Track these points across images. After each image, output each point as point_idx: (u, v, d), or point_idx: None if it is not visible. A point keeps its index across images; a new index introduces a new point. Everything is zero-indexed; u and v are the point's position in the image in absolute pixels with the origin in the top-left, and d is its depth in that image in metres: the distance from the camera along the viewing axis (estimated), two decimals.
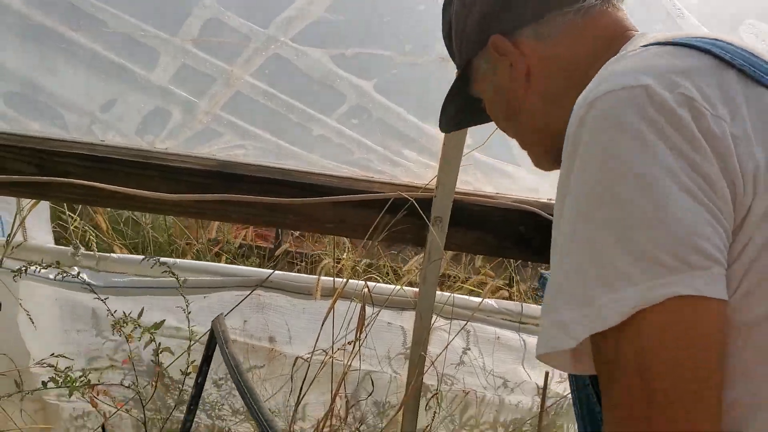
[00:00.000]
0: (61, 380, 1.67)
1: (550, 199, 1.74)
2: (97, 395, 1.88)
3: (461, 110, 1.00)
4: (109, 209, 2.77)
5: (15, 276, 1.66)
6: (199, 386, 1.10)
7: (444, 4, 0.92)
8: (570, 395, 2.09)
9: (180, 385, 2.07)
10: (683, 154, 0.54)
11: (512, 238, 1.72)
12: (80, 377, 1.72)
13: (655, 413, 0.51)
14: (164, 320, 1.78)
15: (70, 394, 1.73)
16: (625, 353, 0.53)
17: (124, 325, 1.68)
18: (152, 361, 1.75)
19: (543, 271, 1.02)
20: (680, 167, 0.54)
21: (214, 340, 1.10)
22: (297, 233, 3.18)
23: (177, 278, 1.79)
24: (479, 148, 1.63)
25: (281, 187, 1.69)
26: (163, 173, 1.69)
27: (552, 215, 0.66)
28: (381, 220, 1.70)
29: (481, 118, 1.00)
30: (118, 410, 2.01)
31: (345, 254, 2.54)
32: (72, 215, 2.13)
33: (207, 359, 1.09)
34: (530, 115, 0.82)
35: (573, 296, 0.57)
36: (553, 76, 0.77)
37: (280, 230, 3.76)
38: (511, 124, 0.89)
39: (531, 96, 0.80)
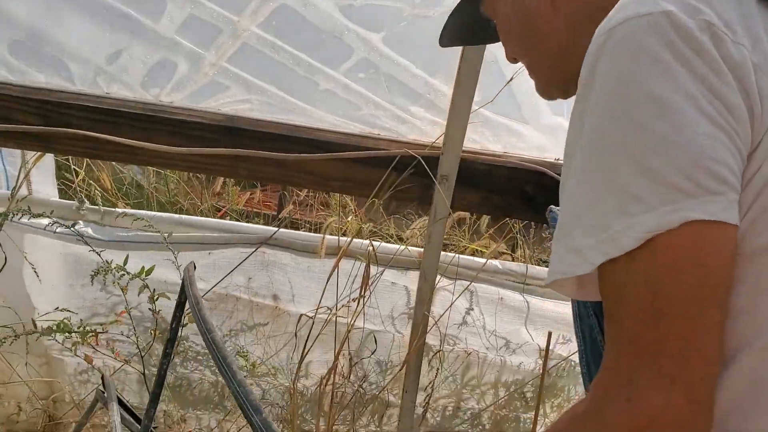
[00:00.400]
0: (56, 328, 1.68)
1: (558, 159, 1.73)
2: (97, 344, 1.89)
3: (465, 28, 0.98)
4: (113, 169, 2.77)
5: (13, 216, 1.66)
6: (173, 331, 1.14)
7: None
8: (576, 353, 2.09)
9: (183, 341, 2.09)
10: (704, 78, 0.54)
11: (518, 197, 1.71)
12: (80, 327, 1.74)
13: (663, 334, 0.51)
14: (154, 266, 1.79)
15: (77, 340, 1.74)
16: (637, 277, 0.53)
17: (111, 272, 1.69)
18: (150, 309, 1.77)
19: (552, 207, 1.01)
20: (700, 92, 0.54)
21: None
22: (301, 197, 3.17)
23: (161, 233, 1.79)
24: (487, 105, 1.62)
25: (288, 143, 1.68)
26: (169, 127, 1.68)
27: (560, 175, 0.66)
28: (387, 178, 1.69)
29: (484, 38, 0.97)
30: (124, 364, 2.03)
31: (349, 217, 2.54)
32: (78, 169, 2.12)
33: (180, 305, 1.11)
34: (551, 39, 0.80)
35: (589, 222, 0.56)
36: (583, 1, 0.76)
37: (282, 197, 3.76)
38: (524, 48, 0.87)
39: (556, 19, 0.78)
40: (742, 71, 0.55)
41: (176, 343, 1.22)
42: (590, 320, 0.77)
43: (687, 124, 0.53)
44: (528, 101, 1.63)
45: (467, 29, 0.98)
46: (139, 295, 1.77)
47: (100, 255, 1.75)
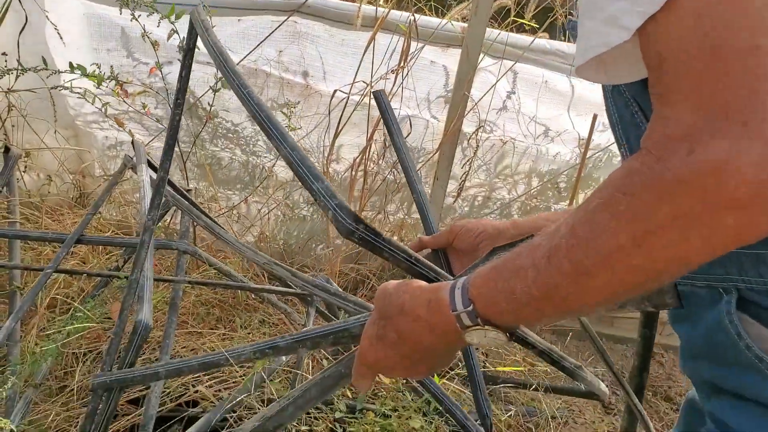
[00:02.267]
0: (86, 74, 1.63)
1: None
2: (126, 97, 1.85)
3: None
4: None
5: None
6: (183, 79, 1.08)
7: None
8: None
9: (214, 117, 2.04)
10: None
11: None
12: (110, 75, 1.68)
13: (725, 71, 0.46)
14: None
15: (112, 93, 1.70)
16: (683, 22, 0.48)
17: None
18: (179, 47, 1.71)
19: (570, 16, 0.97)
20: None
21: (195, 31, 1.03)
22: None
23: None
24: None
25: None
26: None
27: None
28: None
29: None
30: (156, 137, 1.99)
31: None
32: None
33: (189, 51, 1.04)
34: None
35: None
36: None
37: None
38: None
39: None
40: None
41: (186, 92, 1.17)
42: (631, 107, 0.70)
43: None
44: None
45: None
46: (168, 41, 1.69)
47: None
